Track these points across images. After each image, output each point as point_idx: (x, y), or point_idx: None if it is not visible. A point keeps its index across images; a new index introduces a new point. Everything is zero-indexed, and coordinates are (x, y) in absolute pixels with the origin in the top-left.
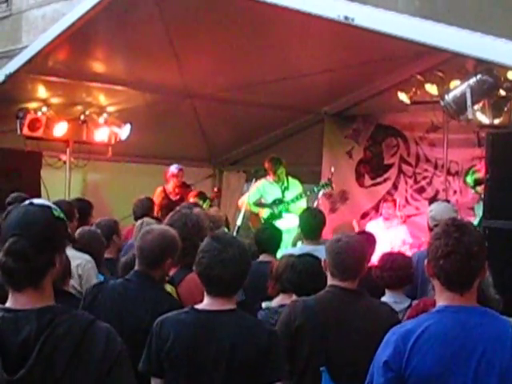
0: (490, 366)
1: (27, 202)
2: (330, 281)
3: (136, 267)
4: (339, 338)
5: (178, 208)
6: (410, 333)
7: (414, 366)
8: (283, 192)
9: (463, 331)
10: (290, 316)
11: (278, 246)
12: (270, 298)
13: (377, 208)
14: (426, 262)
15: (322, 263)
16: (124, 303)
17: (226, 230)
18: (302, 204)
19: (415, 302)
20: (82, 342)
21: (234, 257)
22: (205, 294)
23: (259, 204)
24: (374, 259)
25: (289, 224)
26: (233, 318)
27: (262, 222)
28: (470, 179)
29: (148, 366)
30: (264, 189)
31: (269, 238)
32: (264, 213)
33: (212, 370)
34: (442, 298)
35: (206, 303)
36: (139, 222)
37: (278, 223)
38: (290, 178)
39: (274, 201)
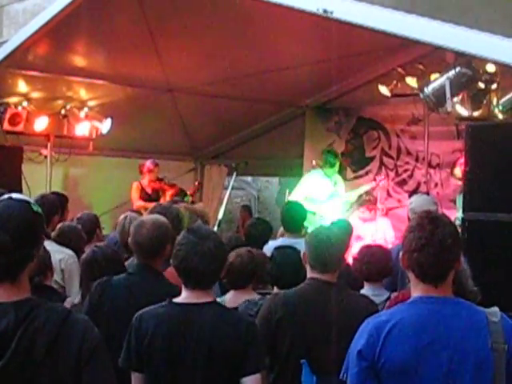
0: (465, 357)
1: (5, 196)
2: (310, 273)
3: (136, 260)
4: (319, 331)
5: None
6: (384, 323)
7: (388, 356)
8: (335, 186)
9: (437, 322)
10: (270, 309)
11: (266, 241)
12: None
13: None
14: (400, 254)
15: (302, 256)
16: (131, 298)
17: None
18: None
19: (394, 295)
20: (59, 334)
21: (209, 249)
22: (182, 287)
23: (311, 199)
24: (353, 250)
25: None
26: (211, 310)
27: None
28: (458, 171)
29: (128, 361)
30: (314, 181)
31: (259, 233)
32: (323, 208)
33: (192, 363)
34: (416, 290)
35: (184, 296)
36: (123, 216)
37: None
38: (336, 175)
39: (331, 195)
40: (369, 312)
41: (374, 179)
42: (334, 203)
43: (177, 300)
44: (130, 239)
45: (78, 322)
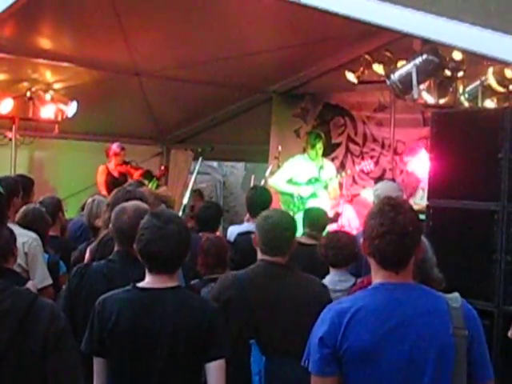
0: (427, 342)
1: None
2: (260, 256)
3: (116, 247)
4: (269, 312)
5: (124, 185)
6: (345, 310)
7: (350, 343)
8: (319, 170)
9: (399, 308)
10: (220, 290)
11: (217, 225)
12: (200, 276)
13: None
14: (361, 240)
15: (253, 239)
16: (110, 284)
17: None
18: (335, 185)
19: (359, 280)
20: (25, 318)
21: (173, 233)
22: (146, 271)
23: (293, 182)
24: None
25: (324, 204)
26: (175, 295)
27: (298, 202)
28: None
29: (90, 346)
30: (298, 165)
31: (210, 216)
32: (302, 191)
33: (155, 348)
34: (377, 276)
35: (148, 281)
36: (90, 198)
37: (314, 203)
38: (324, 159)
39: (309, 179)
40: (319, 294)
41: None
42: (314, 187)
43: (141, 285)
44: (110, 225)
45: (45, 307)
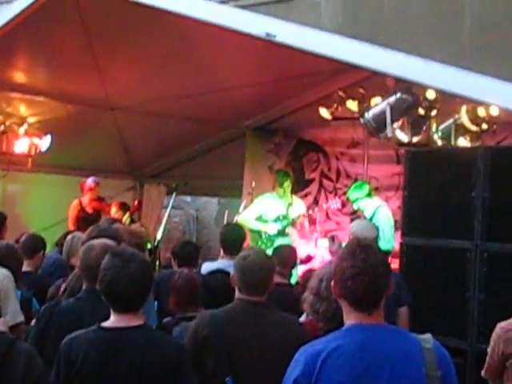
0: (400, 383)
1: None
2: (238, 295)
3: (84, 285)
4: (245, 350)
5: (98, 223)
6: (319, 351)
7: None
8: (287, 208)
9: (372, 349)
10: (198, 327)
11: (196, 261)
12: (172, 314)
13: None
14: (332, 282)
15: (231, 278)
16: (79, 323)
17: (149, 245)
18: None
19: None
20: (3, 363)
21: (135, 272)
22: (111, 311)
23: (262, 220)
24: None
25: (293, 242)
26: (141, 333)
27: (265, 239)
28: (351, 195)
29: None
30: (267, 202)
31: (186, 253)
32: (270, 228)
33: None
34: (350, 318)
35: (113, 320)
36: (70, 236)
37: (282, 240)
38: (294, 196)
39: (277, 217)
40: (297, 332)
41: (316, 202)
42: (281, 224)
43: (106, 324)
44: (78, 263)
45: (22, 352)
